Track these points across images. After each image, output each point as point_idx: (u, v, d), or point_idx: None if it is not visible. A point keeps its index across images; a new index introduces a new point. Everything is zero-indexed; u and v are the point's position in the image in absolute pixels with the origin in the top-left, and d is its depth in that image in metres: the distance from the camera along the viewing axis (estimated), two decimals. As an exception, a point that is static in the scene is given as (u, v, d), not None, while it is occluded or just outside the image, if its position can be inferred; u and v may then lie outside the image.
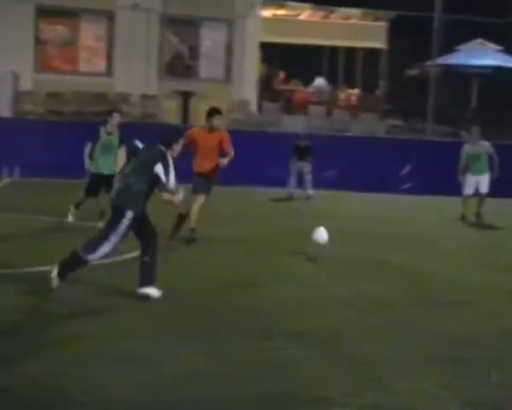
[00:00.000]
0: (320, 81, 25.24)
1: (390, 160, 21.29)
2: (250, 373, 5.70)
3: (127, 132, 12.04)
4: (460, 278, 9.76)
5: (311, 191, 18.56)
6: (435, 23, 23.72)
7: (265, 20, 24.29)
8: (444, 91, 25.48)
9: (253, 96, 23.80)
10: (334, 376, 5.73)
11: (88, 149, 12.70)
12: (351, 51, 26.46)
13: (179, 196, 8.00)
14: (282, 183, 18.53)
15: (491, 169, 15.47)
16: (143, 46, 22.74)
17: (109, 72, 22.97)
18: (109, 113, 12.95)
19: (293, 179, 18.62)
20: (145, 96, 22.37)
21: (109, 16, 22.88)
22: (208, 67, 23.88)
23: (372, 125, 23.97)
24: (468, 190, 15.56)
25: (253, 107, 23.68)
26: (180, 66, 24.09)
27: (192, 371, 5.67)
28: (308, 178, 18.67)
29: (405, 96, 26.57)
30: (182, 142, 8.23)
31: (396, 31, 25.20)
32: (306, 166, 18.64)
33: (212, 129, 11.35)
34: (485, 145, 15.52)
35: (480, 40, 25.59)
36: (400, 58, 26.14)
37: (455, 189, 16.31)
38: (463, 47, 25.92)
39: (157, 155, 7.78)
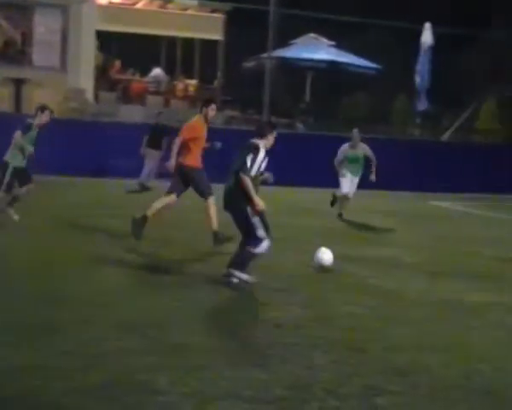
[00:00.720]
0: (157, 71, 25.17)
1: (228, 151, 21.48)
2: (75, 364, 5.63)
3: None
4: (287, 265, 9.97)
5: (147, 181, 18.39)
6: (270, 16, 24.19)
7: (101, 7, 23.91)
8: (279, 84, 26.08)
9: (90, 84, 23.38)
10: (159, 364, 5.77)
11: (19, 137, 11.68)
12: (188, 42, 26.55)
13: (261, 203, 8.30)
14: (122, 173, 18.36)
15: (370, 168, 15.08)
16: (-29, 30, 21.82)
17: None
18: (42, 109, 12.02)
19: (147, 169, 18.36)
20: (-26, 84, 21.48)
21: None
22: (42, 54, 23.20)
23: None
24: (346, 188, 15.08)
25: (90, 96, 23.28)
26: (12, 52, 23.26)
27: (18, 366, 5.53)
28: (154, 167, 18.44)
29: (242, 88, 27.03)
30: (275, 133, 8.59)
31: (233, 23, 25.53)
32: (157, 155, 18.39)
33: (206, 120, 10.79)
34: (364, 148, 15.20)
35: (313, 35, 26.40)
36: (237, 50, 26.54)
37: (290, 179, 16.73)
38: (298, 41, 26.65)
39: (249, 147, 8.41)
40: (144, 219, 10.66)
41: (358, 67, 26.34)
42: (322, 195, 16.16)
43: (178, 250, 10.56)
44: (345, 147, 15.24)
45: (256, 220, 8.32)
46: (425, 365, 6.20)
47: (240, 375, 5.65)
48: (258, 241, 8.33)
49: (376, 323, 7.47)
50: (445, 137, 26.59)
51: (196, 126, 10.78)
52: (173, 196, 10.81)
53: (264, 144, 8.52)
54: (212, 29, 25.35)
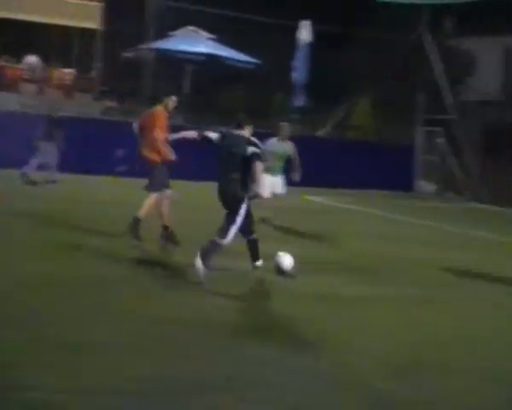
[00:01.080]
0: (32, 58, 24.48)
1: (105, 141, 21.20)
2: None
3: None
4: (182, 262, 9.77)
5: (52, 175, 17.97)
6: (150, 7, 23.98)
7: (-27, -10, 23.04)
8: (159, 75, 25.86)
9: (-41, 70, 22.51)
10: (41, 363, 5.63)
11: None
12: (65, 30, 25.94)
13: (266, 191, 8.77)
14: None
15: (293, 169, 13.94)
16: None
17: None
18: None
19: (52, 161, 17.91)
20: None
21: None
22: None
23: (87, 106, 23.72)
24: (266, 192, 13.32)
25: (-40, 82, 22.41)
26: None
27: None
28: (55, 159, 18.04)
29: (121, 78, 26.63)
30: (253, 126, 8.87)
31: (112, 12, 25.15)
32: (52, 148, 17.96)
33: (166, 110, 10.58)
34: (290, 145, 13.95)
35: (192, 28, 26.29)
36: (116, 40, 26.12)
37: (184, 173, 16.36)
38: (177, 33, 26.50)
39: (241, 141, 8.65)
40: (166, 228, 10.68)
41: (238, 61, 26.42)
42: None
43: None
44: (273, 140, 13.84)
45: (240, 220, 8.56)
46: (293, 358, 6.28)
47: (104, 369, 5.61)
48: (226, 235, 8.56)
49: (245, 317, 7.50)
50: (321, 133, 27.11)
51: (161, 115, 10.52)
52: (168, 192, 10.72)
53: (248, 135, 8.83)
54: (89, 17, 24.90)
